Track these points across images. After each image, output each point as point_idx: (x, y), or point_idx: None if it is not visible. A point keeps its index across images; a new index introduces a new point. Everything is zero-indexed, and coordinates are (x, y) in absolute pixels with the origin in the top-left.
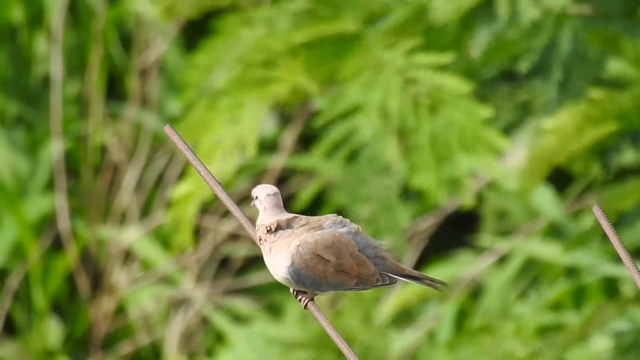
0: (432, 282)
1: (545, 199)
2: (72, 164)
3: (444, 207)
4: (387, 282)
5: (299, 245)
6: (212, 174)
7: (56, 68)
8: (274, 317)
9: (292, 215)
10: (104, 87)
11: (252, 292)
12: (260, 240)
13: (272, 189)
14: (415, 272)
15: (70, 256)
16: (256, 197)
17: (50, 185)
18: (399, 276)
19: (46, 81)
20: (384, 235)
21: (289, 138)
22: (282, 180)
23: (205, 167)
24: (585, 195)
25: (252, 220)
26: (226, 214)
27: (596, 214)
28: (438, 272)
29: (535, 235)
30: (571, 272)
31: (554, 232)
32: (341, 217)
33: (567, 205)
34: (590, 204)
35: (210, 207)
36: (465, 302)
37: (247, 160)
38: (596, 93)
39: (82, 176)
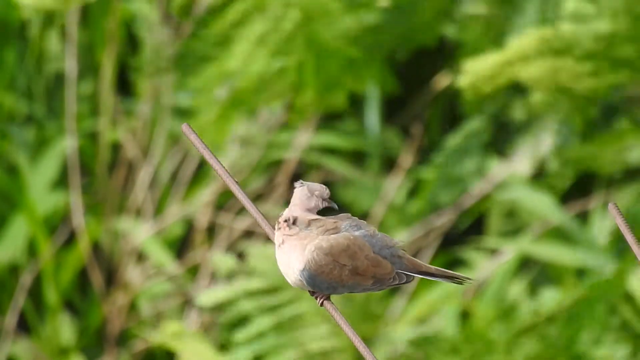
0: (450, 277)
1: (547, 203)
2: (84, 161)
3: (457, 205)
4: (404, 281)
5: (314, 250)
6: (228, 172)
7: (70, 65)
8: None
9: (314, 216)
10: (116, 85)
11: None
12: (277, 231)
13: (306, 188)
14: (433, 268)
15: (83, 252)
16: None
17: (61, 183)
18: (416, 273)
19: (58, 80)
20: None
21: (303, 134)
22: (297, 176)
23: (222, 165)
24: (592, 195)
25: (268, 217)
26: (241, 211)
27: (612, 213)
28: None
29: (541, 236)
30: (580, 273)
31: (559, 234)
32: (356, 218)
33: (572, 206)
34: (598, 204)
35: (225, 204)
36: (470, 302)
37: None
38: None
39: (96, 173)
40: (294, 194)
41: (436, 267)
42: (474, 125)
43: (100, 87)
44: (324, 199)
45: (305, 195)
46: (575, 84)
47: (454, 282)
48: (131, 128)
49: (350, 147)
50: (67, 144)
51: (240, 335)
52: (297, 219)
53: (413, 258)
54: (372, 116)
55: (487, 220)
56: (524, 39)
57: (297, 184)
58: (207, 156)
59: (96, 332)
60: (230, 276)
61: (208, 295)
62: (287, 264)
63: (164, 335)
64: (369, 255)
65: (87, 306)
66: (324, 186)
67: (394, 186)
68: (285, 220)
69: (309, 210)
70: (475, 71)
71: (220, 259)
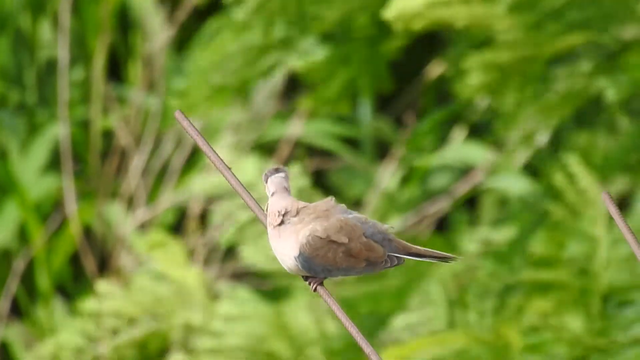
0: (440, 257)
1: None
2: (76, 149)
3: (452, 191)
4: (395, 263)
5: (309, 235)
6: (222, 159)
7: (63, 52)
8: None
9: (301, 203)
10: (108, 71)
11: (260, 275)
12: (269, 225)
13: (279, 168)
14: (422, 249)
15: (75, 237)
16: (266, 180)
17: (52, 169)
18: (407, 255)
19: (49, 67)
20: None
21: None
22: (291, 160)
23: (215, 152)
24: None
25: (261, 204)
26: (234, 198)
27: (605, 201)
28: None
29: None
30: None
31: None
32: (344, 205)
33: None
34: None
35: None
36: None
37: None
38: None
39: (88, 160)
40: (271, 184)
41: (425, 248)
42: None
43: (92, 74)
44: (281, 175)
45: (280, 181)
46: (508, 36)
47: (443, 262)
48: (124, 115)
49: (343, 134)
50: (60, 131)
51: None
52: (287, 208)
53: (402, 240)
54: (365, 105)
55: (479, 208)
56: None
57: (268, 174)
58: (200, 142)
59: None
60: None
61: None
62: (282, 252)
63: (142, 242)
64: (361, 238)
65: (80, 292)
66: (277, 166)
67: (387, 174)
68: (278, 214)
69: (285, 191)
70: (402, 7)
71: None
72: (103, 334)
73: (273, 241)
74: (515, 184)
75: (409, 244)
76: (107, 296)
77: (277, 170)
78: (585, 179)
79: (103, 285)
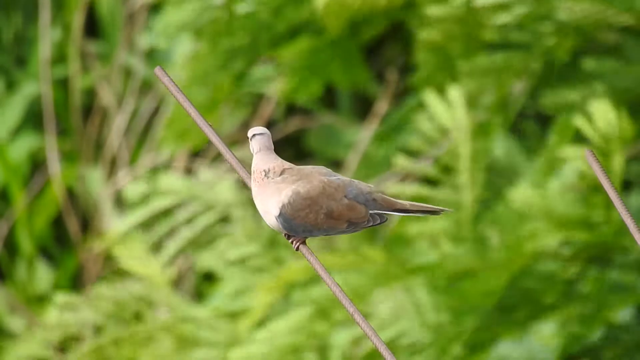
0: (427, 211)
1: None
2: (56, 109)
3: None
4: (378, 222)
5: (290, 195)
6: (202, 116)
7: (44, 11)
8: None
9: (286, 163)
10: (86, 30)
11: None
12: (253, 181)
13: (262, 130)
14: (407, 204)
15: (59, 199)
16: (250, 138)
17: (31, 129)
18: (391, 211)
19: (25, 27)
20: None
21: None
22: (272, 122)
23: (195, 109)
24: None
25: (243, 162)
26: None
27: (588, 159)
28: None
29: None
30: None
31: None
32: (330, 170)
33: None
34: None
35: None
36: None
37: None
38: None
39: (70, 120)
40: (255, 143)
41: (410, 202)
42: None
43: (70, 33)
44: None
45: (264, 140)
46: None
47: (431, 215)
48: (105, 74)
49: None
50: (40, 90)
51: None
52: (271, 168)
53: (387, 197)
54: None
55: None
56: None
57: (252, 134)
58: (181, 99)
59: (72, 279)
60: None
61: (133, 188)
62: (264, 210)
63: (108, 241)
64: (343, 200)
65: (63, 254)
66: (259, 127)
67: (369, 133)
68: (263, 170)
69: (269, 150)
70: None
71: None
72: (66, 344)
73: (256, 198)
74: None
75: (394, 200)
76: (68, 307)
77: (260, 130)
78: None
79: (64, 297)
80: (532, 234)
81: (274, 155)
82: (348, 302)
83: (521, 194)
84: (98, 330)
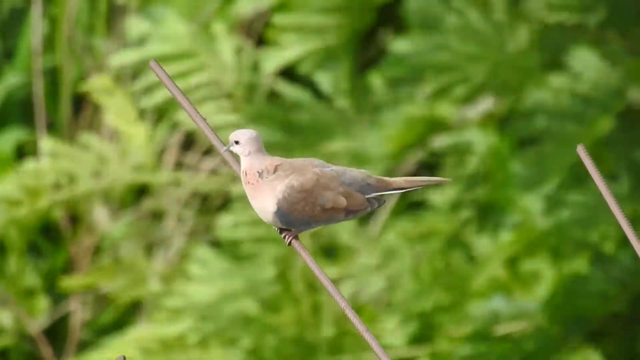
0: (425, 185)
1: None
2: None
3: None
4: (377, 205)
5: (285, 190)
6: (196, 110)
7: (36, 4)
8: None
9: (277, 159)
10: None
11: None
12: (247, 184)
13: (252, 132)
14: (403, 181)
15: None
16: (236, 142)
17: (20, 120)
18: (391, 191)
19: (13, 16)
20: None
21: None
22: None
23: (189, 102)
24: None
25: (237, 157)
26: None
27: (580, 155)
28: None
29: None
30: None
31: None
32: (323, 161)
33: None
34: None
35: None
36: None
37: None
38: None
39: (60, 113)
40: (246, 147)
41: (405, 178)
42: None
43: (58, 25)
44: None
45: (254, 141)
46: None
47: (431, 186)
48: (95, 66)
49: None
50: (32, 82)
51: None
52: (266, 167)
53: (382, 177)
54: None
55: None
56: None
57: (227, 149)
58: (175, 93)
59: (62, 273)
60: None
61: (120, 56)
62: (261, 209)
63: (92, 88)
64: (338, 188)
65: (52, 248)
66: (247, 129)
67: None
68: (257, 172)
69: (261, 152)
70: None
71: (133, 22)
72: (43, 189)
73: (252, 199)
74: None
75: (390, 180)
76: (49, 153)
77: (249, 134)
78: None
79: (47, 142)
80: None
81: (266, 155)
82: (340, 298)
83: None
84: (74, 180)
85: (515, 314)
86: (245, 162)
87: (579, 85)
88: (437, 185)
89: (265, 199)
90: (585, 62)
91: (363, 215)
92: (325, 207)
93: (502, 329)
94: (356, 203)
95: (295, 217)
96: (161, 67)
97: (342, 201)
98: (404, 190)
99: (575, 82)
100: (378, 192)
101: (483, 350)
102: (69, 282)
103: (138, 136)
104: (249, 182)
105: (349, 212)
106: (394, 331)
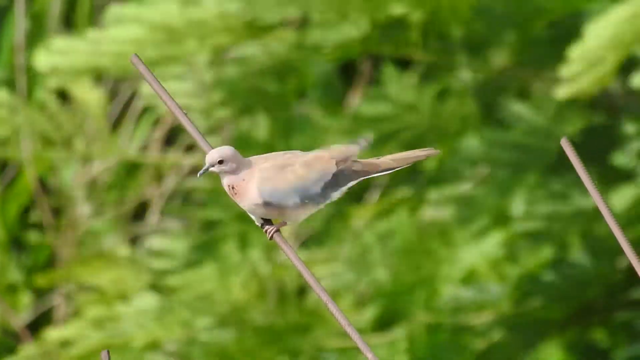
0: (416, 159)
1: None
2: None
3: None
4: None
5: (258, 171)
6: (178, 104)
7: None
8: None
9: (255, 159)
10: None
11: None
12: (235, 196)
13: (231, 148)
14: (390, 161)
15: (31, 187)
16: (220, 162)
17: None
18: (379, 173)
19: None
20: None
21: None
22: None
23: (171, 96)
24: None
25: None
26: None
27: (564, 148)
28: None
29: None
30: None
31: None
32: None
33: None
34: None
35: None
36: None
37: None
38: None
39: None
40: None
41: (392, 157)
42: None
43: (41, 22)
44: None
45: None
46: None
47: (422, 159)
48: None
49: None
50: (16, 78)
51: None
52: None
53: (370, 161)
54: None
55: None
56: None
57: (203, 172)
58: (157, 88)
59: (45, 269)
60: None
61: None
62: (249, 206)
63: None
64: (305, 156)
65: (35, 243)
66: (223, 147)
67: (355, 92)
68: (243, 180)
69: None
70: None
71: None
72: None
73: (241, 203)
74: None
75: (377, 161)
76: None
77: (229, 148)
78: None
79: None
80: None
81: (249, 165)
82: (322, 291)
83: None
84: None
85: (480, 303)
86: (229, 178)
87: (510, 134)
88: (427, 156)
89: (249, 196)
90: (515, 112)
91: (354, 185)
92: (304, 165)
93: (468, 318)
94: (326, 164)
95: (282, 189)
96: (142, 62)
97: (322, 154)
98: (394, 170)
99: (506, 132)
100: (367, 176)
101: (446, 338)
102: (51, 277)
103: (93, 103)
104: (236, 194)
105: (338, 173)
106: (359, 313)
